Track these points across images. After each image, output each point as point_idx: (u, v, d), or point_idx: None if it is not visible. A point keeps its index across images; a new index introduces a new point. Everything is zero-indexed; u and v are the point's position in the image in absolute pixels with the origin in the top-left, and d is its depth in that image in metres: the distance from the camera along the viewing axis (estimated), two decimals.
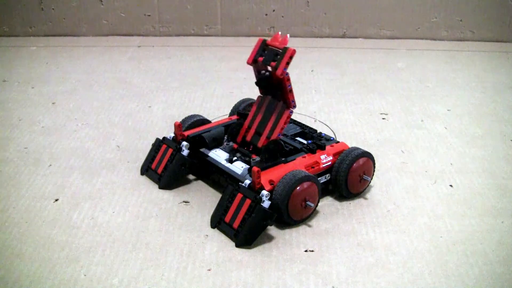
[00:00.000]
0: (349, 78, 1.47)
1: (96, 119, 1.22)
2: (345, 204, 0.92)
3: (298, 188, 0.83)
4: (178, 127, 0.97)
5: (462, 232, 0.85)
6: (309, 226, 0.86)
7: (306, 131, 1.00)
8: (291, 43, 0.87)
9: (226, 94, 1.36)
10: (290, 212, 0.84)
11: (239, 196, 0.83)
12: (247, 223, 0.81)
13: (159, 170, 0.97)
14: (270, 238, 0.83)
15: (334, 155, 0.92)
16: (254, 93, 1.36)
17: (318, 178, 0.89)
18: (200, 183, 0.98)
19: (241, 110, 1.05)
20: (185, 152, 0.95)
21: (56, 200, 0.93)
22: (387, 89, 1.40)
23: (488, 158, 1.07)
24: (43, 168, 1.02)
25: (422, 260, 0.79)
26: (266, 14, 1.77)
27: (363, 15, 1.77)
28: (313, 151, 0.91)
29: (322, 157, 0.91)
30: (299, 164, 0.88)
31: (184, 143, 0.95)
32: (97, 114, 1.25)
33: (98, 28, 1.80)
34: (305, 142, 0.97)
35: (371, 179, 0.95)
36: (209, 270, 0.77)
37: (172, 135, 0.98)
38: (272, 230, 0.85)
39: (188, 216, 0.88)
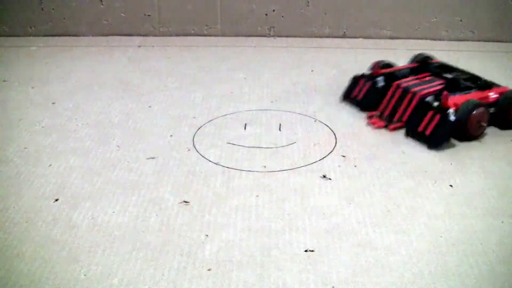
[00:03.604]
0: (349, 78, 1.47)
1: (96, 119, 1.22)
2: (345, 204, 0.92)
3: (475, 111, 1.11)
4: (377, 65, 1.29)
5: (462, 232, 0.85)
6: (309, 226, 0.86)
7: (477, 76, 1.28)
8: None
9: (226, 94, 1.36)
10: (468, 127, 1.11)
11: (431, 112, 1.11)
12: (439, 130, 1.09)
13: (359, 97, 1.27)
14: (270, 238, 0.83)
15: (500, 93, 1.19)
16: (254, 93, 1.37)
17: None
18: (200, 183, 0.98)
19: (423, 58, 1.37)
20: (381, 84, 1.26)
21: (56, 200, 0.93)
22: None
23: (488, 158, 1.07)
24: (43, 168, 1.02)
25: (422, 260, 0.79)
26: (266, 14, 1.77)
27: (363, 15, 1.76)
28: (483, 89, 1.20)
29: (490, 93, 1.19)
30: (474, 95, 1.17)
31: (379, 78, 1.26)
32: (97, 114, 1.25)
33: (98, 28, 1.80)
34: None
35: None
36: (209, 270, 0.77)
37: (368, 72, 1.31)
38: (272, 230, 0.85)
39: (188, 216, 0.88)
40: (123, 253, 0.80)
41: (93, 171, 1.01)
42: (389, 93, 1.22)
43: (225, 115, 1.24)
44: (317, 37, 1.79)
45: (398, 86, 1.21)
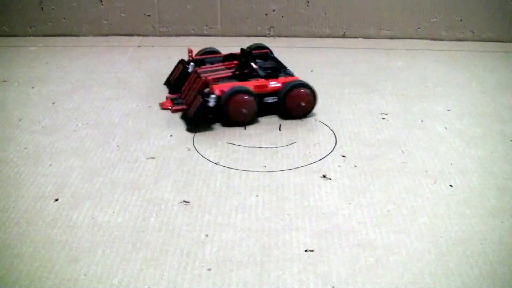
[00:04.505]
0: (349, 78, 1.47)
1: (96, 119, 1.22)
2: (345, 204, 0.92)
3: (234, 97, 1.15)
4: (190, 51, 1.34)
5: (462, 232, 0.85)
6: (309, 226, 0.86)
7: (279, 67, 1.30)
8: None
9: None
10: (227, 112, 1.16)
11: (199, 96, 1.17)
12: (198, 112, 1.16)
13: (172, 81, 1.35)
14: (270, 238, 0.83)
15: (283, 83, 1.21)
16: None
17: (266, 98, 1.20)
18: (200, 183, 0.98)
19: (246, 48, 1.39)
20: (190, 69, 1.30)
21: (56, 200, 0.93)
22: (387, 89, 1.40)
23: (488, 158, 1.07)
24: (43, 168, 1.02)
25: (422, 260, 0.79)
26: (266, 14, 1.77)
27: (363, 15, 1.77)
28: (266, 78, 1.22)
29: (272, 82, 1.21)
30: (250, 84, 1.20)
31: (192, 63, 1.31)
32: (97, 114, 1.25)
33: (98, 28, 1.80)
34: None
35: (312, 109, 1.23)
36: (209, 270, 0.77)
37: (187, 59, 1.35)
38: (272, 230, 0.85)
39: (188, 216, 0.88)
40: (123, 253, 0.80)
41: (93, 171, 1.01)
42: (189, 78, 1.28)
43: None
44: (317, 37, 1.80)
45: (195, 72, 1.27)
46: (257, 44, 1.44)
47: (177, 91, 1.31)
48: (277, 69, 1.29)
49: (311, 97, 1.22)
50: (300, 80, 1.23)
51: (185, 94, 1.26)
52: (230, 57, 1.34)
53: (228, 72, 1.25)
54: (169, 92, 1.33)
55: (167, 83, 1.38)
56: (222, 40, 1.77)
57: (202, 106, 1.15)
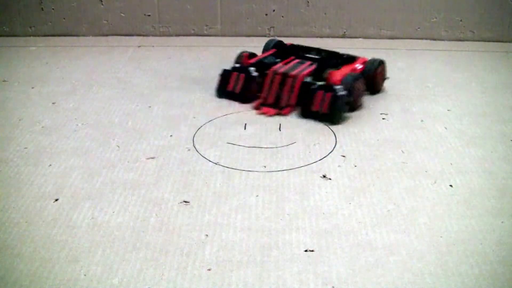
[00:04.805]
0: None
1: (96, 119, 1.22)
2: (345, 204, 0.92)
3: (356, 83, 1.23)
4: (246, 57, 1.35)
5: (462, 232, 0.85)
6: (309, 226, 0.86)
7: (335, 54, 1.39)
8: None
9: None
10: (354, 99, 1.22)
11: (321, 92, 1.19)
12: (335, 106, 1.19)
13: (237, 90, 1.29)
14: (270, 238, 0.83)
15: (363, 63, 1.33)
16: None
17: None
18: (200, 183, 0.98)
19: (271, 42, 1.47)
20: (255, 73, 1.29)
21: (56, 200, 0.93)
22: (387, 89, 1.40)
23: (488, 158, 1.07)
24: (43, 168, 1.02)
25: (422, 260, 0.79)
26: (266, 14, 1.77)
27: (363, 15, 1.76)
28: (349, 62, 1.33)
29: (357, 65, 1.32)
30: (346, 69, 1.28)
31: (251, 68, 1.30)
32: (97, 114, 1.25)
33: (98, 28, 1.80)
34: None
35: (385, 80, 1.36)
36: (209, 270, 0.77)
37: (237, 65, 1.33)
38: (272, 230, 0.85)
39: (188, 216, 0.88)
40: (123, 253, 0.80)
41: (93, 171, 1.01)
42: (267, 80, 1.26)
43: (225, 115, 1.24)
44: (317, 37, 1.79)
45: (276, 73, 1.26)
46: (273, 39, 1.50)
47: (245, 99, 1.28)
48: (339, 53, 1.38)
49: (386, 69, 1.37)
50: (374, 58, 1.35)
51: (273, 97, 1.25)
52: (279, 54, 1.38)
53: (310, 65, 1.30)
54: (242, 102, 1.28)
55: (226, 94, 1.31)
56: (222, 40, 1.77)
57: (336, 99, 1.18)
